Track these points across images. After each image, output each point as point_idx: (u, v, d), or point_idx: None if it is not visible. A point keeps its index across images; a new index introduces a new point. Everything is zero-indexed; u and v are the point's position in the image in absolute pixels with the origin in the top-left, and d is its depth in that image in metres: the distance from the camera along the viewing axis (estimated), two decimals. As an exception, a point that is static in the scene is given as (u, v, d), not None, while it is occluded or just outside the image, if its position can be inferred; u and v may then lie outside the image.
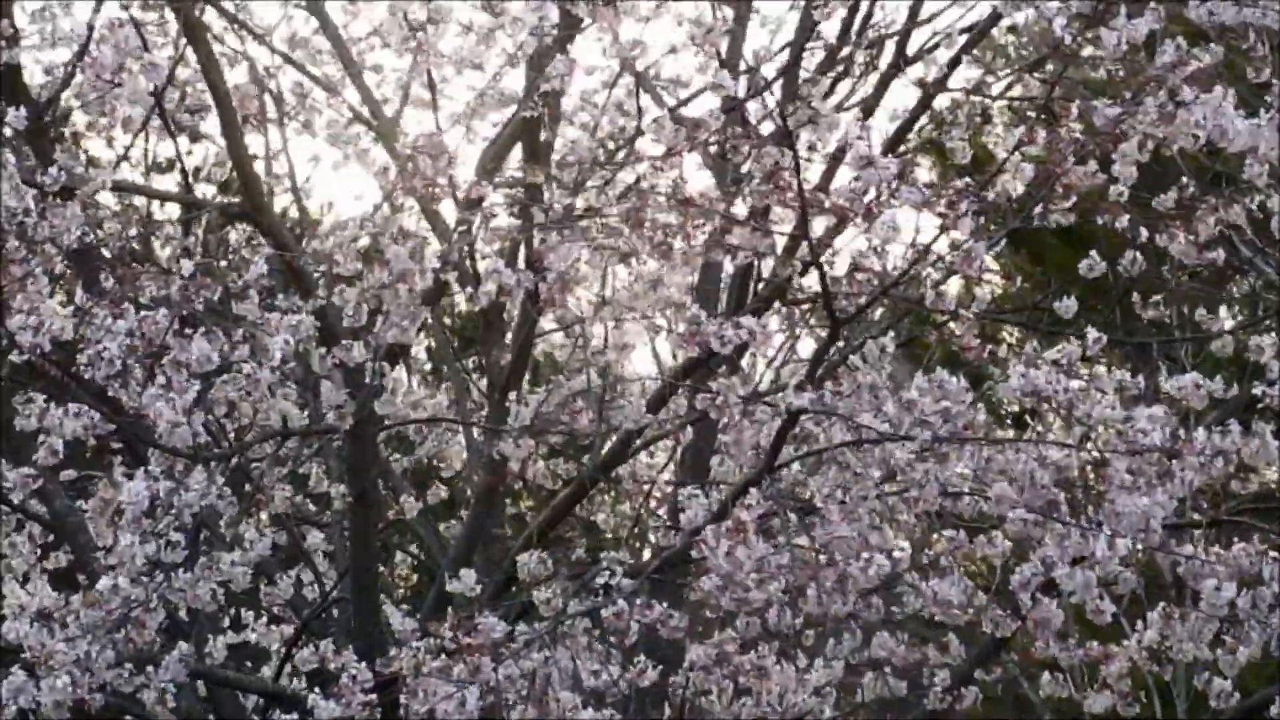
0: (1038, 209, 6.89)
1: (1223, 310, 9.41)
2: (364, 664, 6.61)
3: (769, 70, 8.39)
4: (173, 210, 9.49)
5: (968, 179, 6.75)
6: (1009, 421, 7.71)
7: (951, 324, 7.55)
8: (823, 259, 6.82)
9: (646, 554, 9.30)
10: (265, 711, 8.70)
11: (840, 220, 6.73)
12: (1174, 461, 6.34)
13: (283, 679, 8.91)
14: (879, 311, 8.53)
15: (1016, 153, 6.76)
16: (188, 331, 6.59)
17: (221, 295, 7.10)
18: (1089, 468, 6.59)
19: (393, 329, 7.37)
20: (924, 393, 6.51)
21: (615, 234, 7.38)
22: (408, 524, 10.03)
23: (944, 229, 6.56)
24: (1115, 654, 7.14)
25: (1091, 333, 7.03)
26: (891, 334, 8.93)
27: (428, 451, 10.60)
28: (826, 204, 6.63)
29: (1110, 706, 7.35)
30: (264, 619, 9.22)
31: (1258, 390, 7.15)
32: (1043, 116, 9.24)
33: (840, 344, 8.20)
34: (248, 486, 7.82)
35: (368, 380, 7.66)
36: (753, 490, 6.80)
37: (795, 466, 7.42)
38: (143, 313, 6.60)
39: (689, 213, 6.98)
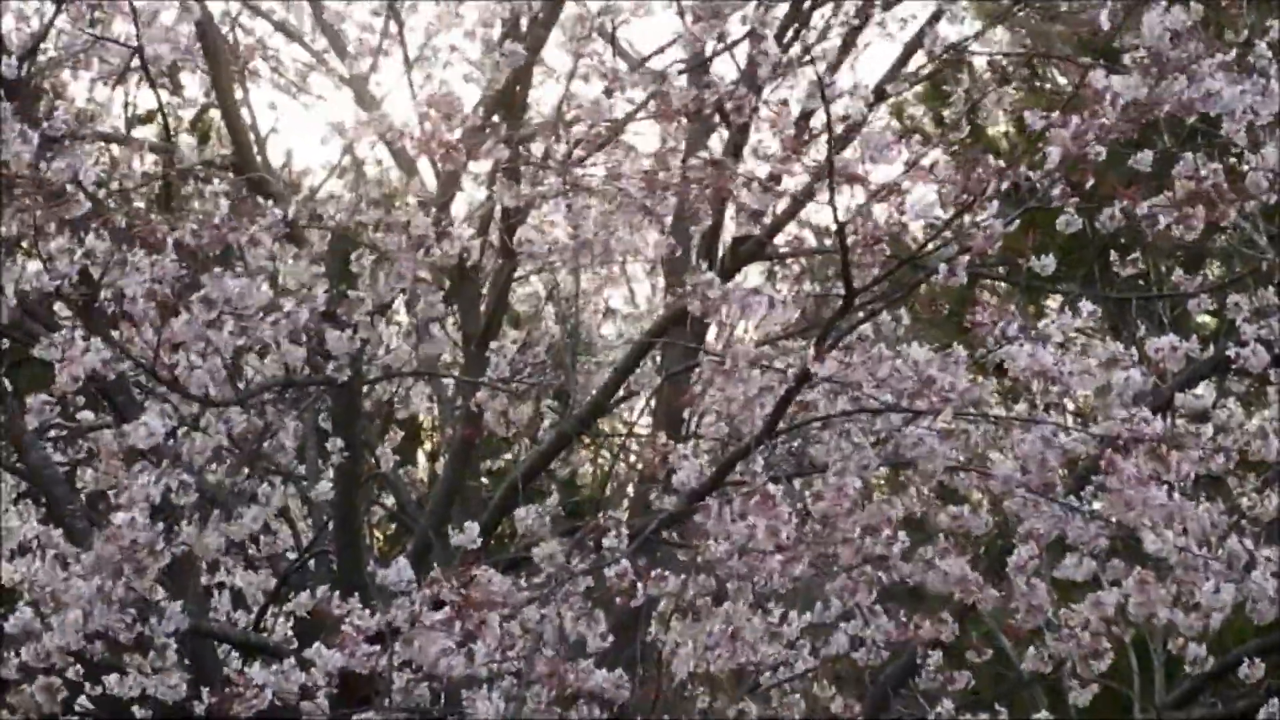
0: (1057, 190, 7.22)
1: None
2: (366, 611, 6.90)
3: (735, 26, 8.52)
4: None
5: (990, 158, 6.99)
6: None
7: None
8: (845, 227, 6.99)
9: (624, 507, 9.54)
10: (243, 664, 8.95)
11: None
12: (1174, 452, 6.68)
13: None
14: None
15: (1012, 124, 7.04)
16: (217, 271, 6.95)
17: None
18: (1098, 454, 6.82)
19: (422, 302, 7.82)
20: (933, 366, 6.82)
21: (621, 193, 7.75)
22: (384, 477, 10.43)
23: (967, 208, 6.89)
24: (1101, 637, 7.39)
25: (1086, 305, 7.29)
26: (904, 308, 9.32)
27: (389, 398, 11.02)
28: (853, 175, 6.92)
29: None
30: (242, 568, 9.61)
31: (1232, 352, 7.54)
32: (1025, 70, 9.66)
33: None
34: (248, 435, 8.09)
35: (359, 333, 7.89)
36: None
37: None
38: (155, 257, 6.94)
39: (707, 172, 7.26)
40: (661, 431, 8.54)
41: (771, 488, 6.61)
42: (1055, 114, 6.96)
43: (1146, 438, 6.67)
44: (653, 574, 6.87)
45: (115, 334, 7.15)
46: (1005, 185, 6.96)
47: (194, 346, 6.99)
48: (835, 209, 6.96)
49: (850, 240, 7.02)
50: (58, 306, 8.25)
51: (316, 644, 6.90)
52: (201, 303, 6.93)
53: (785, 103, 7.69)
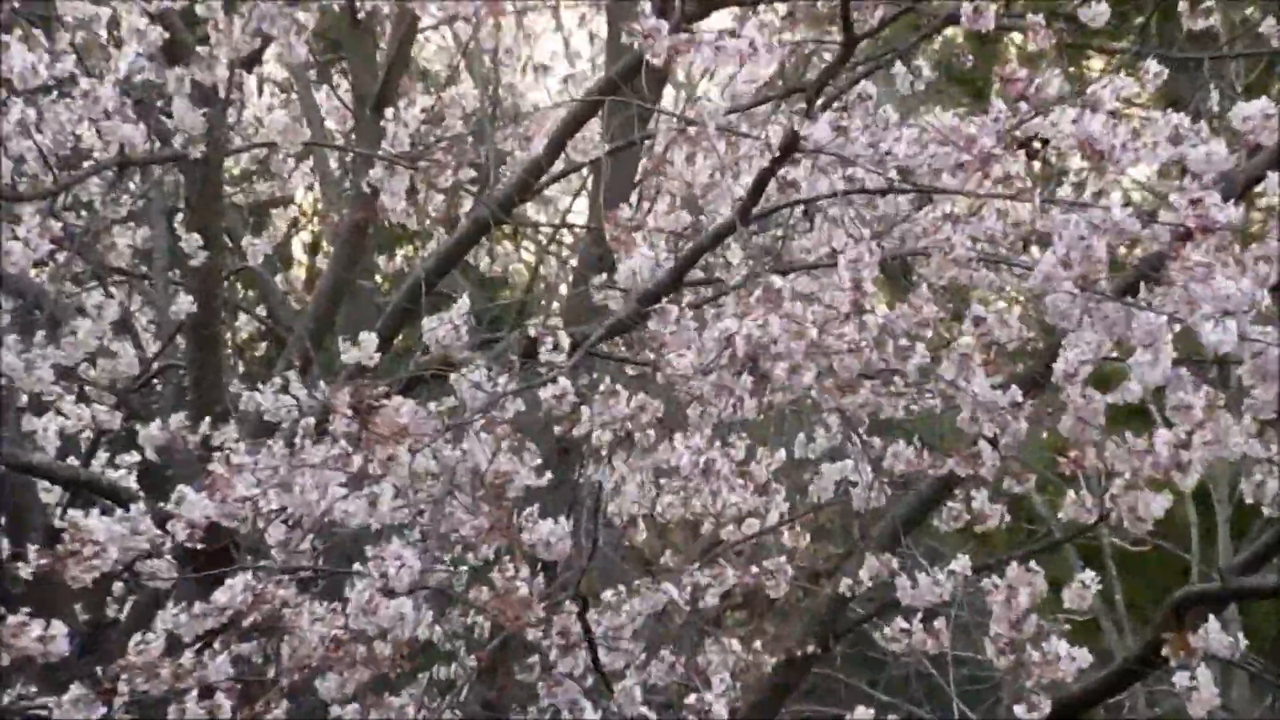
0: None
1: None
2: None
3: None
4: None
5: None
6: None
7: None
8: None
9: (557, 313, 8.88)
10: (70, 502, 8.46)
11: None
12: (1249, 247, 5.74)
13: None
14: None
15: None
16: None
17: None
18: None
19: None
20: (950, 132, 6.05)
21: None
22: (251, 272, 9.66)
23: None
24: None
25: (1152, 66, 6.57)
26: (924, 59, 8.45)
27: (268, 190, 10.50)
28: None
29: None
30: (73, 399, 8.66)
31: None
32: None
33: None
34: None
35: (222, 97, 7.18)
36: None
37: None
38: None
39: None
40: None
41: (776, 280, 5.73)
42: None
43: (1217, 227, 5.68)
44: (600, 391, 6.37)
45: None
46: None
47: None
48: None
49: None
50: None
51: (179, 487, 6.09)
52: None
53: None
